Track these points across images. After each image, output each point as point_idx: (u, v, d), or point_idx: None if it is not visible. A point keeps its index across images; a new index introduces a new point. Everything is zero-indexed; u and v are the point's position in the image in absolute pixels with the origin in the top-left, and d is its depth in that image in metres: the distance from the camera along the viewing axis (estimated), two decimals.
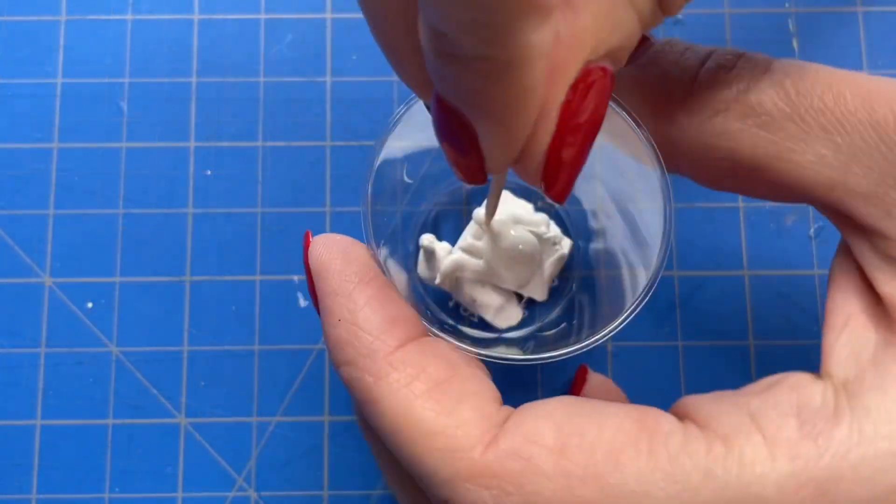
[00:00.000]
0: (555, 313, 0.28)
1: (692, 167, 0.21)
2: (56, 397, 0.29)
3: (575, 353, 0.21)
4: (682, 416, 0.18)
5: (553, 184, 0.18)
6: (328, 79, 0.31)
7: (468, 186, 0.29)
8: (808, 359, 0.21)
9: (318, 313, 0.21)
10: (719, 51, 0.20)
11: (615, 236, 0.26)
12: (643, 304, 0.21)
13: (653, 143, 0.21)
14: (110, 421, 0.29)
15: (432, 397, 0.18)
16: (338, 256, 0.20)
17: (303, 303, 0.29)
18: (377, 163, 0.22)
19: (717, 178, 0.21)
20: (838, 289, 0.19)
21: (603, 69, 0.17)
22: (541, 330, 0.28)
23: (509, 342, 0.27)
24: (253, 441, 0.28)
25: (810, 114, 0.18)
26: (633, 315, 0.21)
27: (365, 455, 0.28)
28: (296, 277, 0.30)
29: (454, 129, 0.17)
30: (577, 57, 0.16)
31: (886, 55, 0.31)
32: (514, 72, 0.15)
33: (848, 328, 0.18)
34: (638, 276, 0.23)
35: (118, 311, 0.29)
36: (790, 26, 0.31)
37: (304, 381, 0.29)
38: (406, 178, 0.26)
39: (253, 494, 0.28)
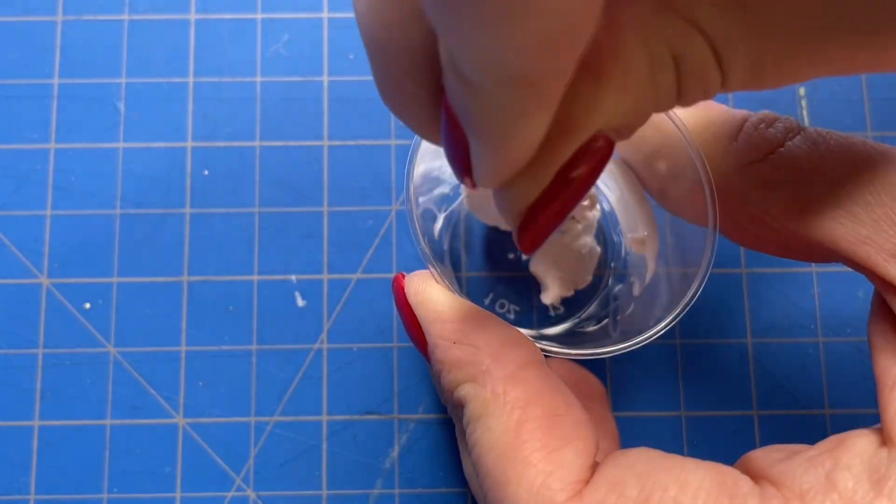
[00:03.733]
0: (592, 307, 0.28)
1: (725, 215, 0.22)
2: (54, 398, 0.29)
3: (638, 346, 0.22)
4: (752, 474, 0.19)
5: (526, 235, 0.18)
6: (325, 78, 0.31)
7: None
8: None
9: (419, 346, 0.21)
10: (761, 112, 0.21)
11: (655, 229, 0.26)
12: (696, 297, 0.22)
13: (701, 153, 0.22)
14: (108, 421, 0.29)
15: (542, 426, 0.19)
16: (437, 288, 0.21)
17: (300, 302, 0.29)
18: (415, 165, 0.22)
19: (747, 230, 0.22)
20: (881, 349, 0.20)
21: (606, 138, 0.17)
22: (580, 326, 0.28)
23: (551, 339, 0.27)
24: (251, 441, 0.28)
25: (840, 171, 0.19)
26: (690, 305, 0.22)
27: (363, 454, 0.28)
28: (293, 277, 0.30)
29: (453, 135, 0.17)
30: (592, 125, 0.17)
31: (890, 117, 0.31)
32: (513, 117, 0.15)
33: None
34: (686, 267, 0.23)
35: (116, 312, 0.29)
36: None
37: (301, 380, 0.29)
38: (442, 177, 0.26)
39: (251, 494, 0.28)
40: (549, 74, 0.14)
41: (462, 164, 0.17)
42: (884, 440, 0.18)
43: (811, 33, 0.16)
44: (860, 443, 0.18)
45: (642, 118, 0.17)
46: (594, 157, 0.17)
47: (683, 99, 0.17)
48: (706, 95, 0.17)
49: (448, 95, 0.16)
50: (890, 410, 0.19)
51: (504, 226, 0.28)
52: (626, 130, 0.17)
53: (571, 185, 0.17)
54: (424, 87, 0.16)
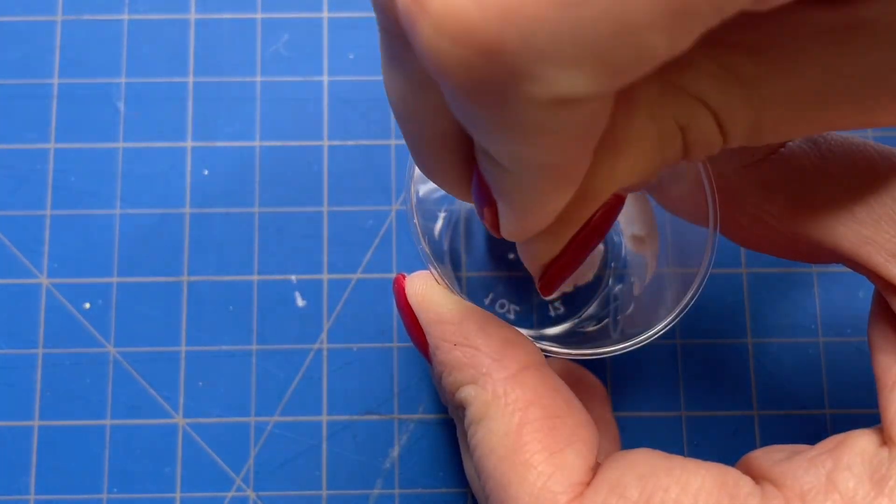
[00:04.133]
0: (592, 307, 0.28)
1: (726, 215, 0.22)
2: (54, 398, 0.29)
3: (638, 346, 0.22)
4: (752, 474, 0.19)
5: (545, 282, 0.20)
6: (325, 78, 0.31)
7: None
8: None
9: (420, 347, 0.21)
10: None
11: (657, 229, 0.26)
12: (696, 297, 0.22)
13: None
14: (108, 421, 0.29)
15: (543, 428, 0.19)
16: (438, 289, 0.22)
17: (300, 302, 0.29)
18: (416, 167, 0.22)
19: (747, 231, 0.22)
20: (881, 349, 0.20)
21: (617, 195, 0.19)
22: (580, 326, 0.28)
23: (551, 339, 0.27)
24: (251, 441, 0.28)
25: (841, 171, 0.19)
26: (691, 304, 0.22)
27: (363, 454, 0.28)
28: (293, 277, 0.30)
29: (483, 197, 0.18)
30: (609, 191, 0.18)
31: None
32: (540, 195, 0.16)
33: None
34: (686, 267, 0.23)
35: (116, 312, 0.29)
36: None
37: (301, 380, 0.29)
38: None
39: (251, 494, 0.28)
40: (572, 164, 0.15)
41: (492, 220, 0.18)
42: (884, 440, 0.18)
43: (806, 103, 0.16)
44: (861, 443, 0.18)
45: (651, 178, 0.18)
46: (605, 208, 0.19)
47: (688, 158, 0.18)
48: (709, 154, 0.18)
49: (479, 168, 0.17)
50: (890, 410, 0.19)
51: None
52: (635, 188, 0.19)
53: (586, 235, 0.19)
54: (456, 157, 0.18)
